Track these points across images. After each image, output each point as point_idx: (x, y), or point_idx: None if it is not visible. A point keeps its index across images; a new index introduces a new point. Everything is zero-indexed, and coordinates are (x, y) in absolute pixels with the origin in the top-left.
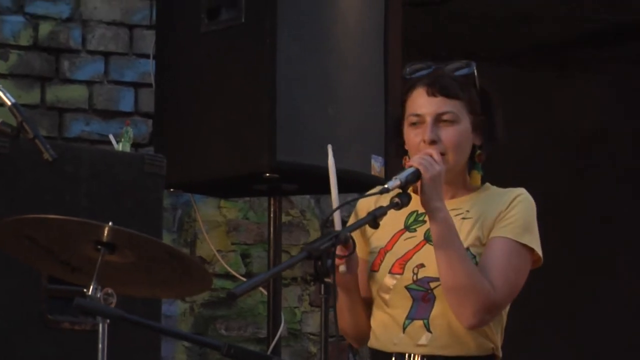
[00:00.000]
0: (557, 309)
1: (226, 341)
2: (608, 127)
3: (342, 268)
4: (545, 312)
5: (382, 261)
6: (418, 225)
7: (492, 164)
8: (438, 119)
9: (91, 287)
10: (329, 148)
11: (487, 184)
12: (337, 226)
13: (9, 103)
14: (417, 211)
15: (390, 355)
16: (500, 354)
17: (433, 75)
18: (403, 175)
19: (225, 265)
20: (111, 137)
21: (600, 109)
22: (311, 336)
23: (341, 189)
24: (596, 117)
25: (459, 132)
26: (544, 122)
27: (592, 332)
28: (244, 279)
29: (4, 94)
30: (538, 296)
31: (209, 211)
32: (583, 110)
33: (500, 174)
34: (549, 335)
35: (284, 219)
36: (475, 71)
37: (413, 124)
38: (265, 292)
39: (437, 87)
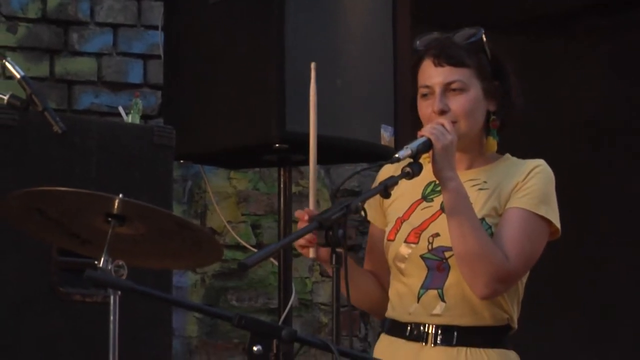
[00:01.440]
0: (568, 278)
1: (237, 312)
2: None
3: (311, 254)
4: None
5: (398, 230)
6: (435, 195)
7: (511, 135)
8: (447, 89)
9: (102, 259)
10: (312, 66)
11: (507, 155)
12: (312, 204)
13: (18, 76)
14: (434, 181)
15: (405, 325)
16: (516, 326)
17: (439, 46)
18: (414, 144)
19: (236, 236)
20: (120, 109)
21: (607, 77)
22: (322, 306)
23: (351, 159)
24: (602, 87)
25: (468, 100)
26: (551, 93)
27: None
28: (255, 250)
29: (13, 67)
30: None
31: (219, 182)
32: (589, 79)
33: (516, 146)
34: (560, 309)
35: (294, 189)
36: (484, 37)
37: (424, 96)
38: (275, 263)
39: (444, 57)
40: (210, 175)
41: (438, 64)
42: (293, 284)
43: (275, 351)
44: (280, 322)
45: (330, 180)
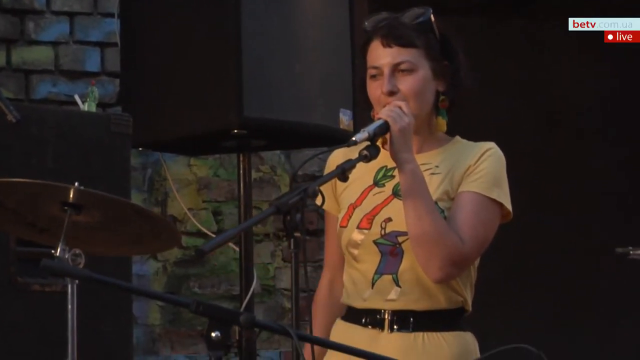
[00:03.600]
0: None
1: (195, 298)
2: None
3: None
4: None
5: (350, 217)
6: (387, 180)
7: (464, 117)
8: (395, 69)
9: (59, 248)
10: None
11: (457, 137)
12: None
13: None
14: (386, 166)
15: (361, 311)
16: (470, 308)
17: (388, 26)
18: (371, 127)
19: (197, 223)
20: (77, 98)
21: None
22: (285, 292)
23: (310, 144)
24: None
25: (417, 80)
26: (514, 75)
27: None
28: (215, 237)
29: None
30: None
31: (179, 169)
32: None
33: (473, 127)
34: (518, 290)
35: (255, 175)
36: (432, 17)
37: (372, 77)
38: (237, 249)
39: (392, 37)
40: (170, 163)
41: (386, 44)
42: (255, 270)
43: (237, 338)
44: (242, 308)
45: (290, 165)
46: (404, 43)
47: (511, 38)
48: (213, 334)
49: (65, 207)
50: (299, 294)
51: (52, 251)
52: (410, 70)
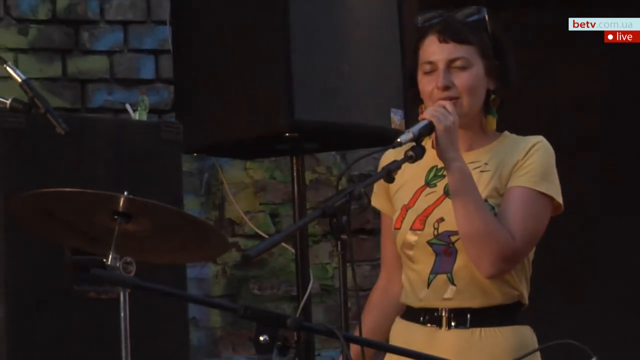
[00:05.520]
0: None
1: (242, 303)
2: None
3: None
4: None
5: (404, 218)
6: (438, 180)
7: (511, 112)
8: (450, 65)
9: (110, 257)
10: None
11: (506, 132)
12: None
13: (20, 80)
14: (436, 166)
15: (418, 310)
16: (527, 302)
17: (444, 22)
18: (416, 128)
19: (252, 226)
20: (128, 107)
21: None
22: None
23: (362, 145)
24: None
25: (472, 77)
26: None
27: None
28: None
29: (14, 71)
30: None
31: (235, 173)
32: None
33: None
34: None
35: (310, 176)
36: (487, 16)
37: (427, 72)
38: (293, 251)
39: (448, 33)
40: (227, 167)
41: (443, 40)
42: (311, 271)
43: (296, 339)
44: (299, 309)
45: (346, 165)
46: (460, 39)
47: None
48: (261, 338)
49: (115, 216)
50: (347, 294)
51: (104, 260)
52: (464, 67)
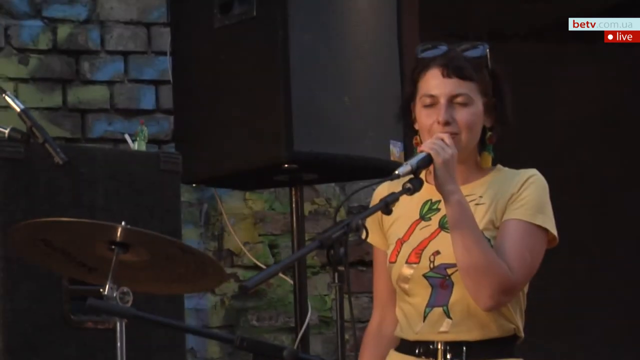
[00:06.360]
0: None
1: (238, 334)
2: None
3: None
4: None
5: (399, 252)
6: (432, 213)
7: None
8: (452, 100)
9: (107, 287)
10: None
11: (499, 166)
12: None
13: (18, 109)
14: (431, 200)
15: (414, 343)
16: (522, 335)
17: (447, 56)
18: (414, 160)
19: (251, 257)
20: (127, 137)
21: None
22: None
23: (362, 176)
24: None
25: (472, 114)
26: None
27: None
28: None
29: (13, 101)
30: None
31: (235, 203)
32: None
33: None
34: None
35: (309, 207)
36: (488, 53)
37: (427, 106)
38: (292, 282)
39: (452, 69)
40: (226, 197)
41: (446, 74)
42: (309, 302)
43: None
44: (297, 341)
45: (345, 197)
46: (463, 76)
47: (560, 62)
48: None
49: (113, 246)
50: (344, 326)
51: (101, 290)
52: (466, 104)
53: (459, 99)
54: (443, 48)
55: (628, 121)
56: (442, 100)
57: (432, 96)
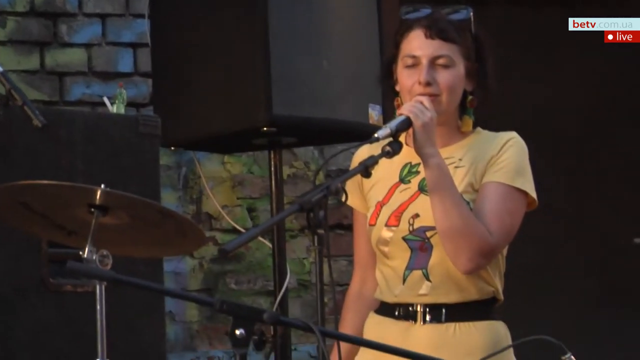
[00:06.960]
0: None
1: (218, 297)
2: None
3: None
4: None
5: (378, 215)
6: (412, 176)
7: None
8: (434, 62)
9: (86, 250)
10: None
11: (479, 129)
12: None
13: None
14: (410, 162)
15: (393, 306)
16: (502, 297)
17: (431, 18)
18: (393, 123)
19: (230, 221)
20: (105, 100)
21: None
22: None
23: (341, 140)
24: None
25: (453, 76)
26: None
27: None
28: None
29: None
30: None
31: (213, 167)
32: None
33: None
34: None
35: (288, 171)
36: (472, 16)
37: (408, 66)
38: (270, 245)
39: (435, 30)
40: (204, 161)
41: (429, 36)
42: (288, 266)
43: (273, 334)
44: (276, 304)
45: (323, 160)
46: (446, 37)
47: (549, 29)
48: (237, 332)
49: (92, 209)
50: (323, 289)
51: (80, 253)
52: (448, 66)
53: (441, 61)
54: (427, 10)
55: (628, 121)
56: (424, 61)
57: (414, 57)
